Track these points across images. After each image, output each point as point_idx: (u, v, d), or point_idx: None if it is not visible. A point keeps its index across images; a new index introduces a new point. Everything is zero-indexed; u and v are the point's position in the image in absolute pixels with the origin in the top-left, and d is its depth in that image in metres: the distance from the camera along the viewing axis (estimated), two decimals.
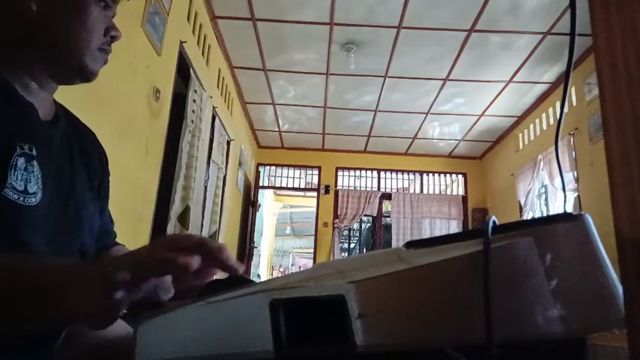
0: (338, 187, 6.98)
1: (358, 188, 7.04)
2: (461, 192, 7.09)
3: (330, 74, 4.65)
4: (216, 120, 4.13)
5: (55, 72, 0.68)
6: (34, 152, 0.61)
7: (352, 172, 7.13)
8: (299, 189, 7.39)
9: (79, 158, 0.74)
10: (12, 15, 0.63)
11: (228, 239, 5.15)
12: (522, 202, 5.41)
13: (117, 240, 0.89)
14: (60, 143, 0.70)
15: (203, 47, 3.71)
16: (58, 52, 0.66)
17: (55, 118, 0.71)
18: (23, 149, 0.59)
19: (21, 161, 0.58)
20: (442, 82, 4.70)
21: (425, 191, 7.08)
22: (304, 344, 0.34)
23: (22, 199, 0.58)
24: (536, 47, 4.01)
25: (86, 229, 0.71)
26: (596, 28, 0.28)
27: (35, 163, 0.61)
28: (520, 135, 5.70)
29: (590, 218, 0.33)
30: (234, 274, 0.44)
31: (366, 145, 6.80)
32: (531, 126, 5.37)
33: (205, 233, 3.87)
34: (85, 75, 0.69)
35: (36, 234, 0.60)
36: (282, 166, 7.15)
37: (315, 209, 7.00)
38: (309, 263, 12.42)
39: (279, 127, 6.29)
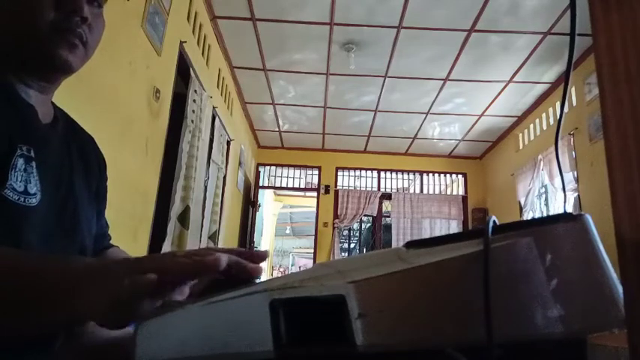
0: (338, 187, 6.98)
1: (358, 188, 7.05)
2: (461, 192, 7.09)
3: (330, 74, 4.65)
4: (216, 120, 4.13)
5: (28, 69, 0.64)
6: (32, 154, 0.61)
7: (352, 172, 7.13)
8: (299, 189, 7.40)
9: (78, 161, 0.74)
10: None
11: (228, 239, 5.15)
12: (522, 202, 5.41)
13: (116, 241, 0.89)
14: (59, 146, 0.70)
15: (203, 47, 3.71)
16: (13, 47, 0.62)
17: (54, 121, 0.70)
18: (22, 150, 0.59)
19: (20, 162, 0.58)
20: (442, 82, 4.70)
21: (425, 191, 7.08)
22: (304, 344, 0.34)
23: (22, 199, 0.57)
24: (536, 47, 4.01)
25: (84, 231, 0.71)
26: (596, 28, 0.28)
27: (34, 164, 0.61)
28: (520, 135, 5.71)
29: (590, 218, 0.33)
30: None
31: (366, 145, 6.80)
32: (531, 126, 5.38)
33: (205, 233, 3.88)
34: (48, 64, 0.63)
35: (35, 235, 0.60)
36: (282, 166, 7.15)
37: (315, 209, 7.01)
38: (309, 263, 12.42)
39: (279, 127, 6.29)
